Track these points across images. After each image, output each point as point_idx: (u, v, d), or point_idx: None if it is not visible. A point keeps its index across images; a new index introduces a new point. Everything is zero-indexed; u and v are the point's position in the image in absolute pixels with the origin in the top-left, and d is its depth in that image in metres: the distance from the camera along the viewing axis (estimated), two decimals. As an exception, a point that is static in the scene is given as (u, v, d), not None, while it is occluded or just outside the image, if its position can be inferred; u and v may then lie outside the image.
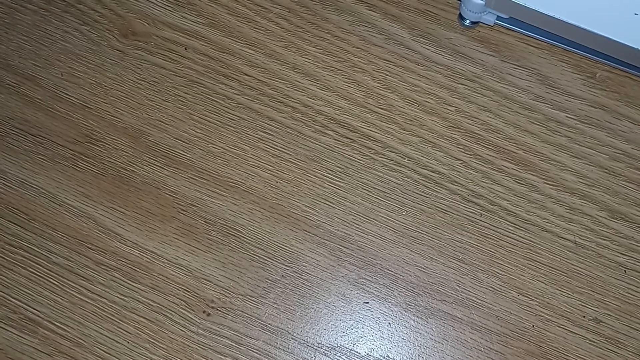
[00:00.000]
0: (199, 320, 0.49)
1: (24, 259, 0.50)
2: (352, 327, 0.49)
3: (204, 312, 0.49)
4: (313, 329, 0.49)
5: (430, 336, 0.49)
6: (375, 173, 0.51)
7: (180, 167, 0.51)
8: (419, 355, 0.48)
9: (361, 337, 0.49)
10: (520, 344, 0.48)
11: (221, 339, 0.49)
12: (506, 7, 0.51)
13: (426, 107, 0.52)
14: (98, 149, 0.52)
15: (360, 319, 0.49)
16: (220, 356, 0.49)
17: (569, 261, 0.49)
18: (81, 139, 0.52)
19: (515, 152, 0.51)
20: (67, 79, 0.54)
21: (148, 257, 0.50)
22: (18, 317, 0.49)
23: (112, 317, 0.49)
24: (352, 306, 0.49)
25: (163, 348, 0.49)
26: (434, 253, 0.50)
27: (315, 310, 0.49)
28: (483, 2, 0.51)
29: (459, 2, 0.53)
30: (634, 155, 0.51)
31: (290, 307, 0.49)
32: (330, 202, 0.51)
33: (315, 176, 0.51)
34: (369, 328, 0.49)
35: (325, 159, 0.52)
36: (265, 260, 0.50)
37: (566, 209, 0.50)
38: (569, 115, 0.52)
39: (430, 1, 0.54)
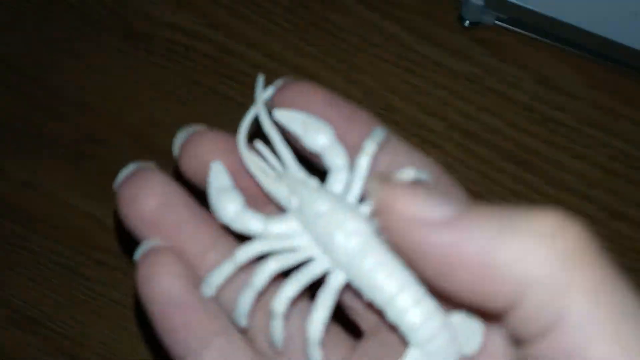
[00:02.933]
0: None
1: (25, 258, 0.50)
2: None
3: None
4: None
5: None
6: (375, 173, 0.51)
7: (180, 167, 0.52)
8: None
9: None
10: (520, 343, 0.48)
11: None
12: (506, 8, 0.51)
13: (426, 107, 0.52)
14: (99, 148, 0.52)
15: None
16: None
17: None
18: (82, 139, 0.52)
19: (514, 152, 0.51)
20: (67, 79, 0.54)
21: (149, 257, 0.50)
22: (19, 317, 0.49)
23: (115, 317, 0.49)
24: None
25: (164, 347, 0.49)
26: (434, 253, 0.50)
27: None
28: (483, 3, 0.51)
29: (459, 2, 0.53)
30: (634, 155, 0.51)
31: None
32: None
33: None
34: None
35: (326, 159, 0.52)
36: (266, 260, 0.50)
37: (565, 208, 0.50)
38: (568, 116, 0.52)
39: (430, 1, 0.54)
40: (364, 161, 0.26)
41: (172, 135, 0.52)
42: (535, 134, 0.51)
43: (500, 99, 0.52)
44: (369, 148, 0.26)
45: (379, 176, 0.22)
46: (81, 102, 0.53)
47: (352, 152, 0.26)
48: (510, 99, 0.52)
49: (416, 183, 0.23)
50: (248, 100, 0.53)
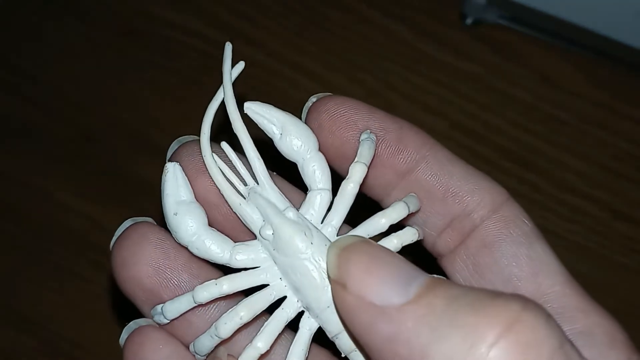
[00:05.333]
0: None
1: (21, 259, 0.50)
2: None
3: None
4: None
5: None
6: (376, 173, 0.51)
7: (180, 166, 0.51)
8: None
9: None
10: (522, 344, 0.48)
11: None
12: (508, 6, 0.51)
13: (427, 106, 0.52)
14: (97, 148, 0.52)
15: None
16: None
17: (570, 261, 0.49)
18: (81, 139, 0.52)
19: (516, 152, 0.51)
20: (67, 79, 0.53)
21: (148, 256, 0.50)
22: (16, 318, 0.49)
23: (111, 318, 0.49)
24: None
25: (163, 348, 0.48)
26: (435, 253, 0.50)
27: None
28: (485, 1, 0.51)
29: (461, 0, 0.53)
30: (635, 155, 0.51)
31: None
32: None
33: (315, 176, 0.51)
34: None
35: (326, 158, 0.51)
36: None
37: (568, 209, 0.50)
38: (570, 115, 0.52)
39: (432, 0, 0.54)
40: (350, 188, 0.23)
41: (169, 134, 0.52)
42: (538, 133, 0.51)
43: (502, 98, 0.52)
44: (357, 173, 0.22)
45: (339, 245, 0.20)
46: (80, 102, 0.53)
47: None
48: (513, 98, 0.52)
49: (379, 256, 0.20)
50: (248, 100, 0.53)
